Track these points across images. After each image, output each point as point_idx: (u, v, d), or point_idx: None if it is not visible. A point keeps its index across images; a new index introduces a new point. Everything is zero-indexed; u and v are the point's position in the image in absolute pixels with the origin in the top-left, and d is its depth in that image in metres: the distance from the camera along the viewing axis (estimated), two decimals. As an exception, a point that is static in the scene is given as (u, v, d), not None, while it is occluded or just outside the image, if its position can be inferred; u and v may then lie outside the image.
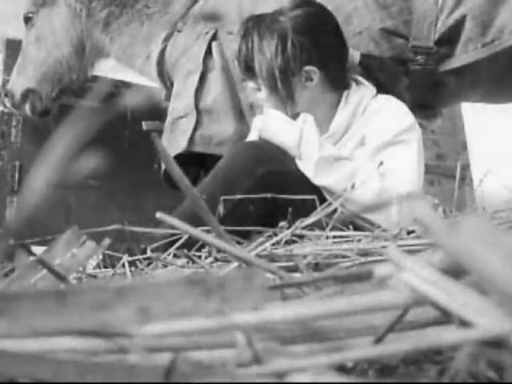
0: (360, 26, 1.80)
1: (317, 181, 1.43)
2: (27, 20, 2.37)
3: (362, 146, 1.50)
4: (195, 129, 1.92)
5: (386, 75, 1.67)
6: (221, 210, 1.31)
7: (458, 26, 1.75)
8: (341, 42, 1.58)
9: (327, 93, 1.55)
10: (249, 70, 1.55)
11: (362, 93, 1.56)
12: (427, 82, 1.83)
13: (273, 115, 1.51)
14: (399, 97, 1.60)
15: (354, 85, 1.58)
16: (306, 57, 1.50)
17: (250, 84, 1.58)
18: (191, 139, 1.92)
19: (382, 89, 1.61)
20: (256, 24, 1.53)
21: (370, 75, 1.64)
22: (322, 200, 1.21)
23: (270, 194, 1.24)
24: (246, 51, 1.53)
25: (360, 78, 1.61)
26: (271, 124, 1.50)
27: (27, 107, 2.38)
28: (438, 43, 1.78)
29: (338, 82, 1.56)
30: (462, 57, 1.77)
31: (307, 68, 1.51)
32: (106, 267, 0.94)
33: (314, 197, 1.14)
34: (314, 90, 1.53)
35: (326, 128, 1.52)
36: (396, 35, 1.80)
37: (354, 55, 1.64)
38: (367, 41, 1.80)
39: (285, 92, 1.51)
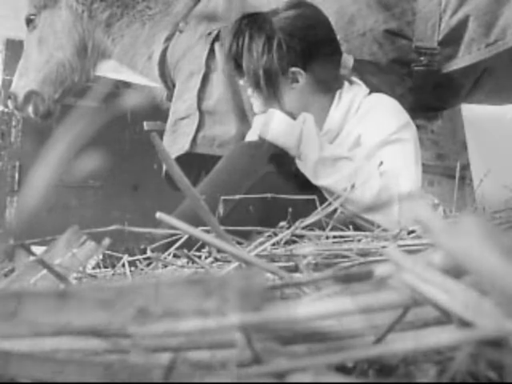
0: (363, 28, 1.80)
1: (317, 181, 1.43)
2: (29, 22, 2.37)
3: (357, 146, 1.50)
4: (198, 130, 1.92)
5: (380, 80, 1.67)
6: (221, 210, 1.31)
7: (462, 26, 1.75)
8: (332, 44, 1.58)
9: (317, 94, 1.55)
10: (238, 67, 1.56)
11: (355, 92, 1.56)
12: (431, 83, 1.83)
13: (272, 115, 1.51)
14: (397, 97, 1.59)
15: (346, 84, 1.58)
16: (292, 58, 1.50)
17: (241, 82, 1.59)
18: (193, 140, 1.92)
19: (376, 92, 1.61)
20: (249, 23, 1.54)
21: (364, 81, 1.64)
22: (322, 200, 1.21)
23: (270, 194, 1.24)
24: (236, 49, 1.54)
25: (353, 78, 1.61)
26: (271, 124, 1.50)
27: (30, 109, 2.38)
28: (442, 44, 1.78)
29: (329, 84, 1.56)
30: (465, 57, 1.77)
31: (293, 69, 1.51)
32: (106, 267, 0.94)
33: (314, 197, 1.13)
34: (302, 92, 1.53)
35: (320, 128, 1.52)
36: (399, 36, 1.80)
37: (348, 60, 1.64)
38: (371, 42, 1.80)
39: (267, 92, 1.51)
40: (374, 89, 1.61)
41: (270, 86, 1.51)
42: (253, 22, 1.53)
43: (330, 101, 1.55)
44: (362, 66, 1.68)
